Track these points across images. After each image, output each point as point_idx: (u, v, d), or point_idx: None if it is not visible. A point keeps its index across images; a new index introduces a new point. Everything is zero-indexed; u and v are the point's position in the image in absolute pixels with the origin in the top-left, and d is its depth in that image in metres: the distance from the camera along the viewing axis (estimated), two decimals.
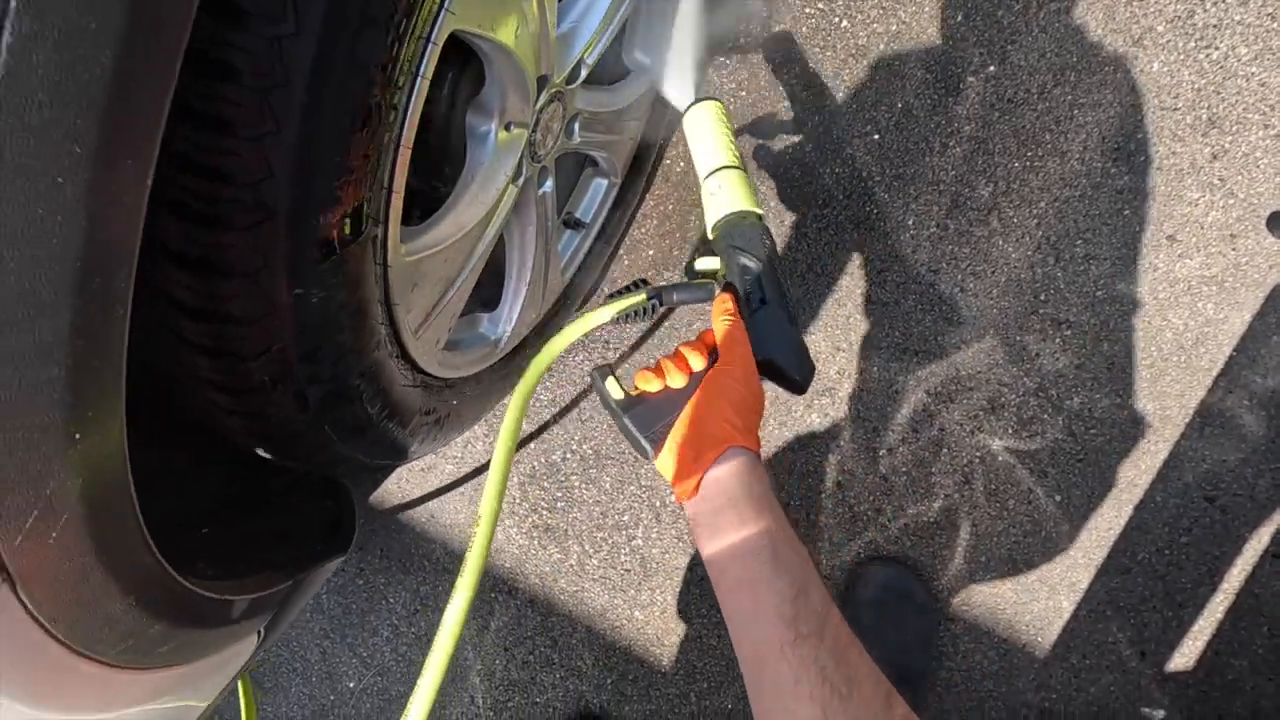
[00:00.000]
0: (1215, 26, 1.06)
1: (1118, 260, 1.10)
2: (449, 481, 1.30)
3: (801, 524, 1.20)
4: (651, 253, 1.22)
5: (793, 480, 1.20)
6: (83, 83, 0.24)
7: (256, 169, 0.38)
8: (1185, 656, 1.14)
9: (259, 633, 0.67)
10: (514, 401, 0.67)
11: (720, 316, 0.68)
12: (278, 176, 0.39)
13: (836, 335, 1.17)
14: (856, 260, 1.16)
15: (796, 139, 1.15)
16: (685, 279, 0.84)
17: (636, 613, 1.26)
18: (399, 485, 1.32)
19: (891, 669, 1.11)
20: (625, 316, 0.73)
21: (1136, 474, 1.12)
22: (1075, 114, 1.09)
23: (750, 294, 0.69)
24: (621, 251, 1.23)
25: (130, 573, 0.36)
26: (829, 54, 1.13)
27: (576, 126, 0.85)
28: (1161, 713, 1.14)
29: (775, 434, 1.20)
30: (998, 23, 1.09)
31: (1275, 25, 1.04)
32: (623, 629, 1.27)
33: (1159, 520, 1.13)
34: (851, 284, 1.16)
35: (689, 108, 0.83)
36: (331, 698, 1.37)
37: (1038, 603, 1.16)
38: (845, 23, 1.14)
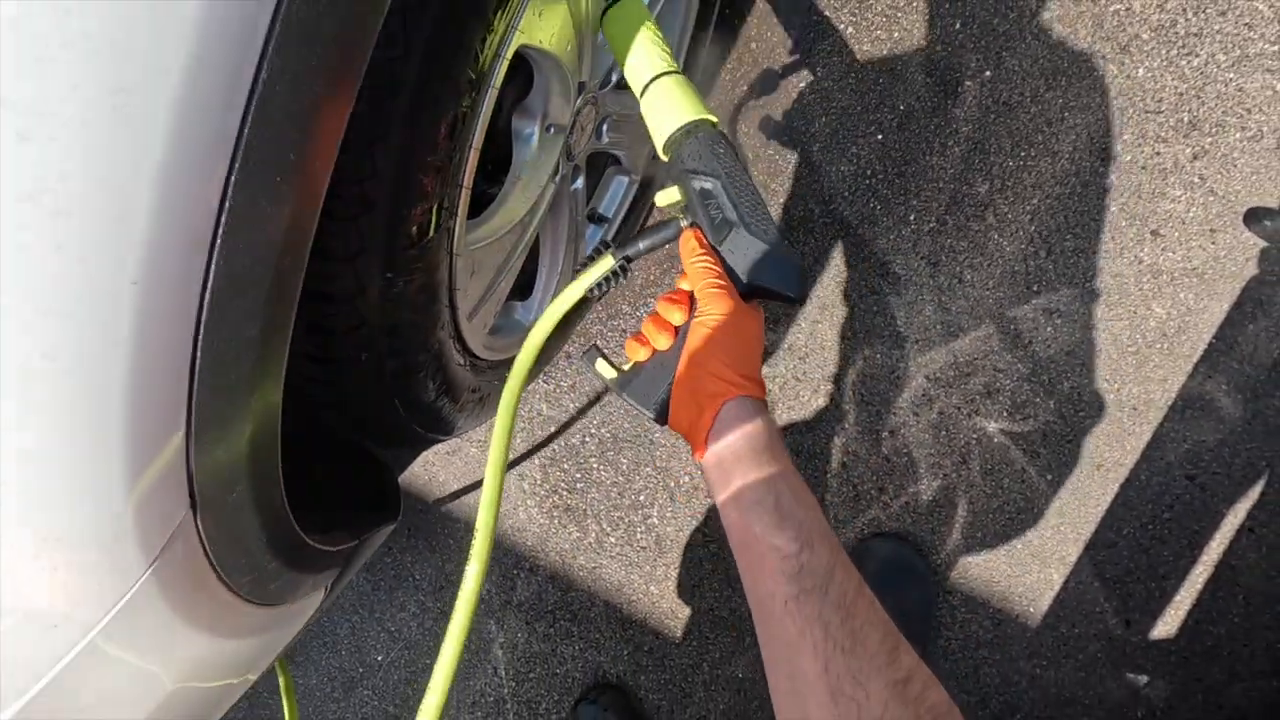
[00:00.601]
0: (1196, 35, 1.13)
1: (1105, 254, 1.18)
2: (472, 465, 1.36)
3: None
4: (667, 246, 1.29)
5: (800, 460, 1.27)
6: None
7: (362, 169, 0.44)
8: (1167, 625, 1.21)
9: (326, 588, 0.73)
10: (504, 401, 0.63)
11: (689, 259, 0.62)
12: (380, 176, 0.45)
13: (841, 325, 1.24)
14: (861, 253, 1.23)
15: (804, 139, 1.22)
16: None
17: (652, 587, 1.33)
18: (425, 468, 1.38)
19: None
20: (599, 287, 0.66)
21: (1122, 454, 1.20)
22: (1066, 116, 1.17)
23: (715, 219, 0.61)
24: None
25: (268, 510, 0.42)
26: (834, 58, 1.20)
27: (605, 128, 0.92)
28: (1145, 678, 1.22)
29: (783, 416, 1.27)
30: (993, 30, 1.17)
31: (1252, 34, 1.12)
32: (639, 603, 1.34)
33: (1143, 497, 1.20)
34: (856, 276, 1.23)
35: (606, 9, 0.70)
36: (360, 670, 1.43)
37: (1029, 575, 1.24)
38: (850, 29, 1.21)
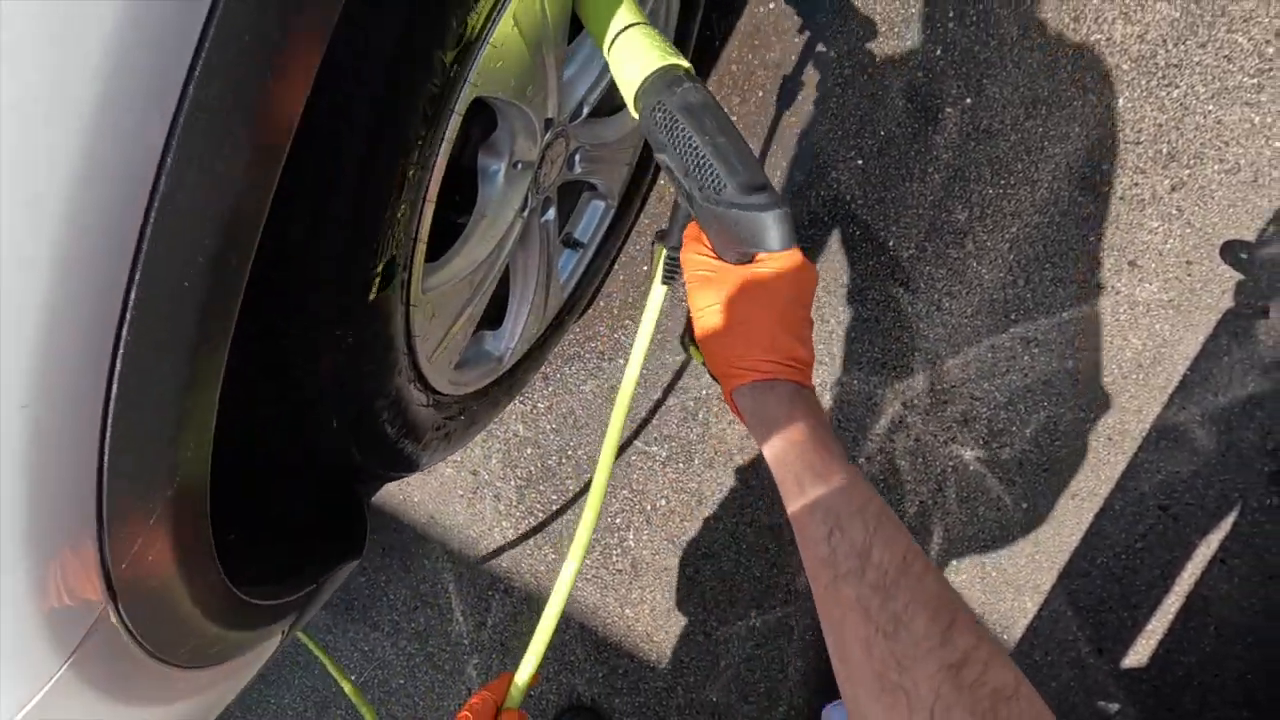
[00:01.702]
0: (1176, 66, 1.13)
1: (1083, 283, 1.18)
2: (448, 485, 1.35)
3: (784, 529, 1.27)
4: (646, 268, 1.28)
5: (774, 486, 1.27)
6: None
7: (308, 230, 0.43)
8: (1139, 654, 1.22)
9: (283, 631, 0.72)
10: (616, 413, 0.62)
11: (684, 254, 0.58)
12: (326, 238, 0.44)
13: (819, 349, 1.24)
14: (839, 278, 1.22)
15: (784, 164, 1.22)
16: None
17: (627, 610, 1.33)
18: (400, 488, 1.37)
19: None
20: (671, 277, 0.64)
21: (1097, 483, 1.20)
22: (1045, 145, 1.16)
23: (684, 195, 0.56)
24: (616, 267, 1.28)
25: (200, 584, 0.41)
26: (816, 82, 1.19)
27: (578, 158, 0.91)
28: (1116, 706, 1.22)
29: None
30: (975, 58, 1.16)
31: (1231, 67, 1.12)
32: (614, 625, 1.33)
33: (1117, 527, 1.20)
34: (834, 301, 1.23)
35: None
36: (333, 690, 1.42)
37: (1004, 602, 1.24)
38: (833, 53, 1.20)
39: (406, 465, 0.76)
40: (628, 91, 0.60)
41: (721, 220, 0.53)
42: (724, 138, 0.54)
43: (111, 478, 0.29)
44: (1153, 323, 1.17)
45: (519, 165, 0.77)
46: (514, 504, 1.34)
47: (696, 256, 0.57)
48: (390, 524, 1.37)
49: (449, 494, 1.35)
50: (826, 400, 1.24)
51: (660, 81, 0.56)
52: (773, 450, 0.53)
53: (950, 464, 1.22)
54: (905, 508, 1.23)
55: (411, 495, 1.37)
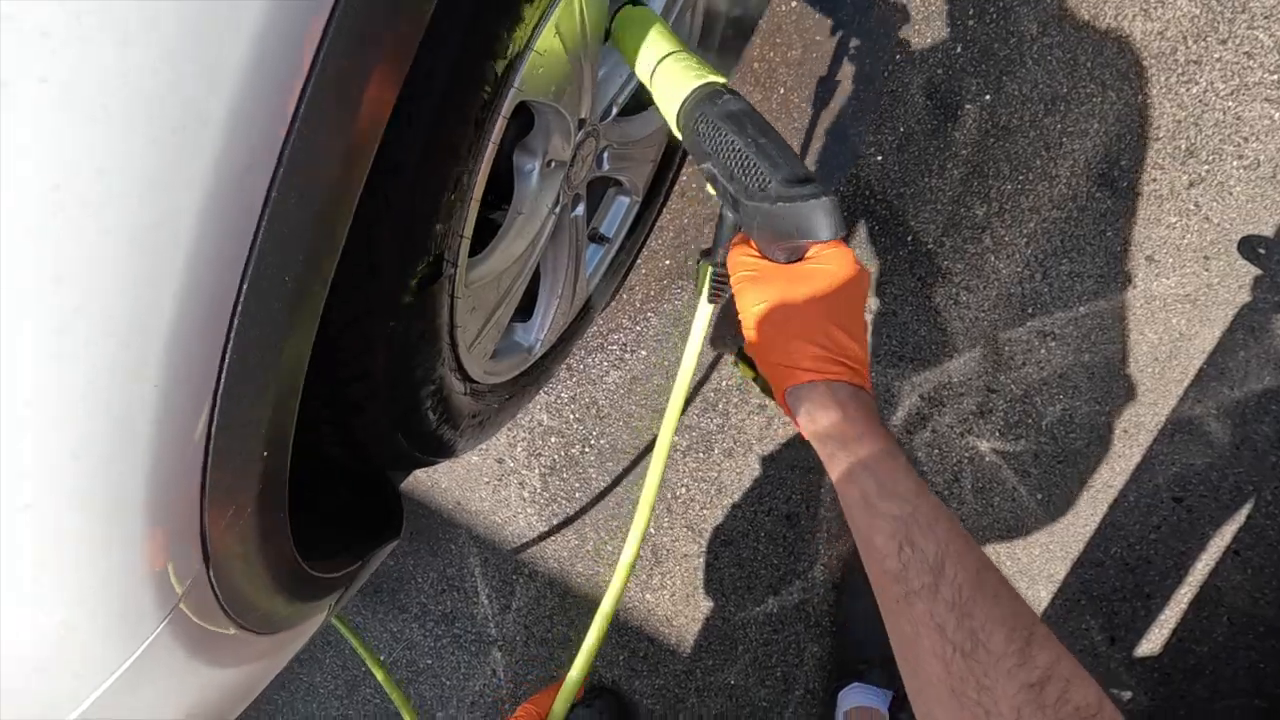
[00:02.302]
0: (1196, 63, 1.14)
1: (1100, 278, 1.19)
2: (474, 472, 1.39)
3: (802, 517, 1.30)
4: (668, 262, 1.31)
5: (794, 475, 1.30)
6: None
7: (369, 235, 0.47)
8: (1151, 643, 1.24)
9: (330, 604, 0.77)
10: (667, 418, 0.63)
11: (730, 258, 0.58)
12: (385, 240, 0.48)
13: None
14: None
15: (806, 160, 1.24)
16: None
17: (648, 595, 1.36)
18: (427, 474, 1.41)
19: (882, 649, 1.22)
20: (717, 294, 0.65)
21: (1111, 475, 1.22)
22: (1064, 141, 1.18)
23: (732, 202, 0.57)
24: (639, 261, 1.32)
25: (275, 556, 0.45)
26: (837, 79, 1.21)
27: (605, 156, 0.94)
28: (1129, 694, 1.25)
29: (780, 432, 1.30)
30: (994, 55, 1.17)
31: (1251, 63, 1.12)
32: (634, 610, 1.37)
33: (1131, 518, 1.22)
34: None
35: (614, 15, 0.68)
36: (363, 670, 1.47)
37: (1019, 591, 1.26)
38: (853, 50, 1.22)
39: (444, 451, 0.80)
40: (670, 113, 0.62)
41: (770, 216, 0.53)
42: (765, 138, 0.56)
43: (214, 455, 0.33)
44: (1169, 317, 1.18)
45: (553, 164, 0.80)
46: (538, 491, 1.38)
47: (744, 258, 0.56)
48: (418, 509, 1.41)
49: (475, 481, 1.39)
50: None
51: (700, 97, 0.59)
52: (832, 456, 0.51)
53: (967, 455, 1.25)
54: None
55: (439, 481, 1.41)
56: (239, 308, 0.30)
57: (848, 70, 1.21)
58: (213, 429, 0.32)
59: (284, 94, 0.30)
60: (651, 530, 1.36)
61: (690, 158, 0.64)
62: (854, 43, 1.21)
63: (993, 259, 1.21)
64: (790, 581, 1.31)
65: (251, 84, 0.29)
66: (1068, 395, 1.21)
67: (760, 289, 0.55)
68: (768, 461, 1.30)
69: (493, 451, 1.39)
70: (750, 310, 0.55)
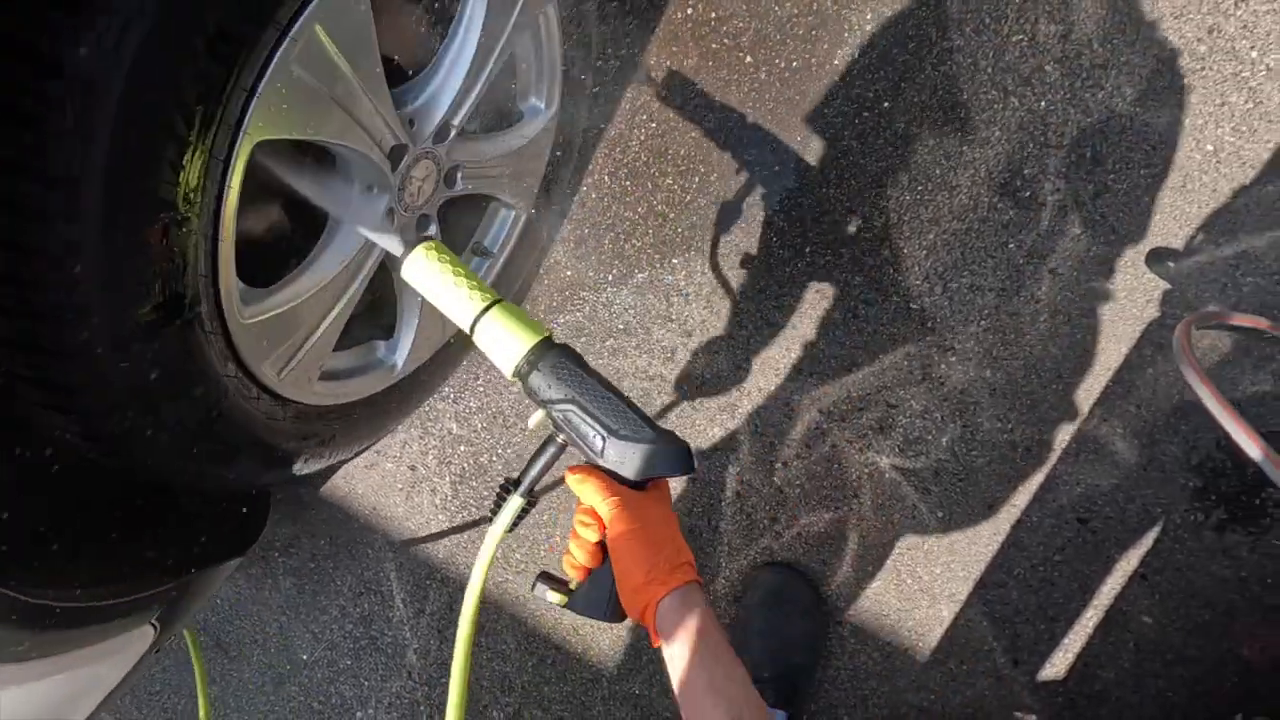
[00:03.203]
0: (1102, 67, 1.09)
1: (1001, 291, 1.15)
2: (388, 479, 1.42)
3: (703, 530, 1.29)
4: (569, 273, 1.30)
5: (696, 488, 1.29)
6: None
7: (70, 282, 0.48)
8: (1056, 667, 1.20)
9: (153, 625, 0.79)
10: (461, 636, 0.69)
11: (577, 488, 0.66)
12: (88, 286, 0.49)
13: (737, 355, 1.25)
14: (756, 285, 1.23)
15: (701, 169, 1.22)
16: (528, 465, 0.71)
17: (544, 608, 1.37)
18: (345, 480, 1.44)
19: (777, 665, 1.21)
20: (515, 525, 0.71)
21: (1014, 494, 1.18)
22: (965, 150, 1.14)
23: (587, 437, 0.65)
24: (541, 271, 1.32)
25: None
26: (734, 88, 1.19)
27: (460, 175, 0.94)
28: (1032, 717, 1.22)
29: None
30: (892, 61, 1.14)
31: (1160, 66, 1.07)
32: (543, 618, 1.38)
33: (1034, 539, 1.19)
34: (751, 307, 1.23)
35: (404, 258, 0.71)
36: (288, 667, 1.52)
37: (919, 610, 1.24)
38: (749, 59, 1.19)
39: (274, 473, 0.82)
40: (505, 366, 0.69)
41: (642, 454, 0.63)
42: (610, 387, 0.67)
43: None
44: (1074, 332, 1.14)
45: (373, 188, 0.80)
46: (449, 498, 1.40)
47: (601, 487, 0.64)
48: (337, 513, 1.44)
49: (389, 488, 1.42)
50: (745, 407, 1.26)
51: (547, 348, 0.67)
52: (688, 649, 0.59)
53: (866, 471, 1.22)
54: (821, 513, 1.24)
55: (355, 488, 1.44)
56: None
57: (743, 80, 1.18)
58: None
59: None
60: (557, 539, 1.36)
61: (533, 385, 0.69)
62: (750, 54, 1.18)
63: (891, 271, 1.18)
64: None
65: None
66: (969, 412, 1.18)
67: (629, 514, 0.62)
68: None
69: (405, 459, 1.41)
70: (622, 533, 0.62)
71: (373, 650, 1.46)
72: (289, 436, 0.80)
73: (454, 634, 1.41)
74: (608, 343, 1.29)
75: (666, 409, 1.27)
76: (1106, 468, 1.15)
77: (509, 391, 1.34)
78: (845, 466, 1.22)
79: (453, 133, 0.85)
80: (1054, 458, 1.16)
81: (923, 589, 1.23)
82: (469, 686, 0.66)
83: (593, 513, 0.66)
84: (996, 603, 1.20)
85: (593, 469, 0.66)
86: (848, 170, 1.17)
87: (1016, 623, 1.20)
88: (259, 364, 0.71)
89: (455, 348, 1.12)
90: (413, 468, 1.40)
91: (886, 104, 1.14)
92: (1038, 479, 1.17)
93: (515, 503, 0.69)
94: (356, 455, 1.24)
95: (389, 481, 1.41)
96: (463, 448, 1.37)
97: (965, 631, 1.22)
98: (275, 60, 0.54)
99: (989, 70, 1.11)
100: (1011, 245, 1.14)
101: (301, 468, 0.86)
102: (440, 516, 1.40)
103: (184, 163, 0.50)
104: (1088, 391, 1.14)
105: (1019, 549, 1.19)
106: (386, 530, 1.43)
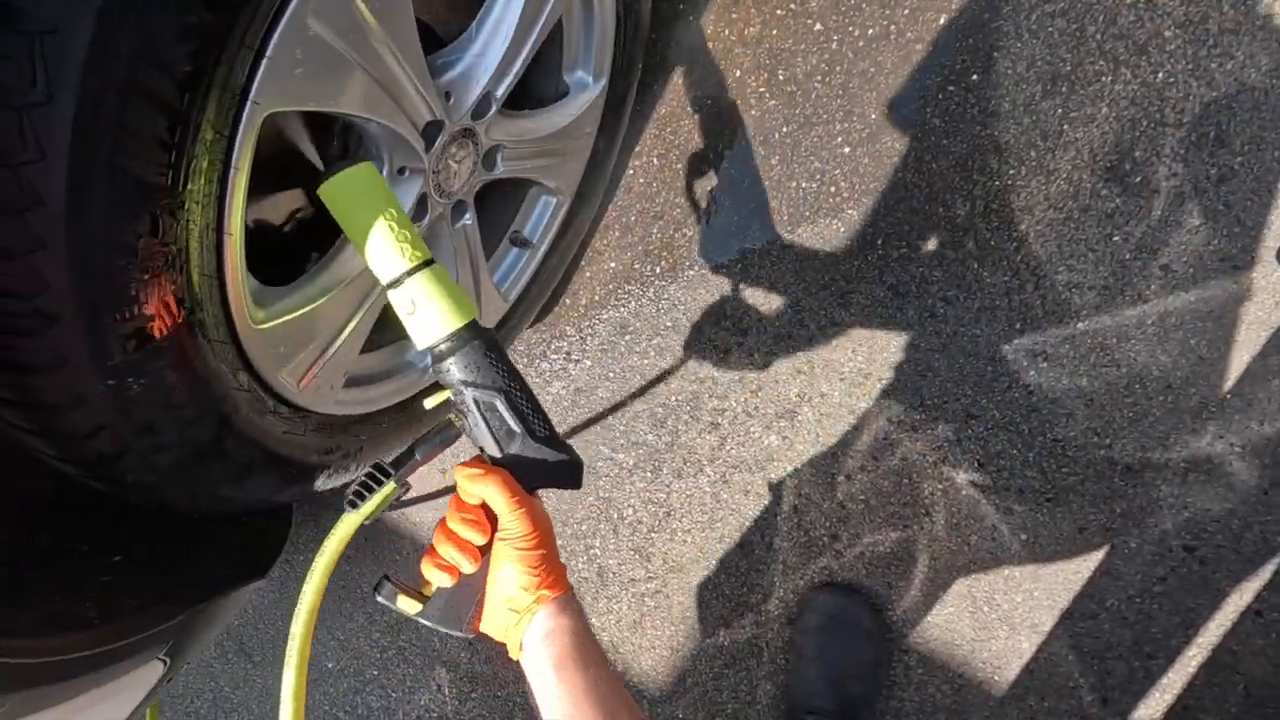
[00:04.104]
0: (1233, 32, 0.94)
1: (1103, 289, 1.02)
2: (417, 481, 1.33)
3: (756, 546, 1.19)
4: (613, 265, 1.20)
5: (748, 502, 1.18)
6: None
7: (31, 283, 0.39)
8: (1151, 709, 1.08)
9: (162, 660, 0.71)
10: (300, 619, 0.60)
11: (472, 482, 0.59)
12: (54, 288, 0.40)
13: (798, 357, 1.13)
14: (820, 280, 1.11)
15: (761, 152, 1.10)
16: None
17: (593, 619, 1.28)
18: None
19: (835, 695, 1.11)
20: (381, 511, 0.62)
21: (1110, 518, 1.06)
22: (1065, 129, 1.00)
23: (499, 429, 0.60)
24: (583, 263, 1.21)
25: None
26: (801, 60, 1.07)
27: (499, 158, 0.83)
28: None
29: (733, 453, 1.18)
30: (983, 26, 1.00)
31: None
32: None
33: (1132, 567, 1.06)
34: (814, 305, 1.11)
35: (323, 179, 0.58)
36: (313, 675, 1.45)
37: (996, 641, 1.12)
38: (819, 26, 1.07)
39: (293, 490, 0.73)
40: (426, 337, 0.61)
41: (549, 461, 0.61)
42: (525, 386, 0.62)
43: None
44: (1186, 337, 1.00)
45: (405, 171, 0.71)
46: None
47: (504, 486, 0.59)
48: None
49: (419, 491, 1.34)
50: (805, 414, 1.14)
51: (473, 333, 0.60)
52: (571, 655, 0.57)
53: (940, 487, 1.11)
54: (887, 532, 1.13)
55: None
56: None
57: (809, 50, 1.06)
58: None
59: None
60: (597, 551, 1.27)
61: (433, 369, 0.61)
62: (817, 19, 1.05)
63: (975, 265, 1.05)
64: (742, 615, 1.21)
65: None
66: (1060, 424, 1.05)
67: (533, 522, 0.59)
68: (719, 485, 1.19)
69: (436, 462, 1.32)
70: (521, 533, 0.58)
71: (400, 661, 1.38)
72: (310, 451, 0.71)
73: (483, 648, 1.33)
74: (654, 341, 1.18)
75: (718, 415, 1.17)
76: (1220, 490, 1.02)
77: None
78: (917, 482, 1.11)
79: (494, 106, 0.75)
80: (1158, 478, 1.03)
81: (1001, 618, 1.11)
82: (304, 687, 0.57)
83: (480, 513, 0.60)
84: (1085, 635, 1.08)
85: (493, 467, 0.61)
86: (928, 152, 1.04)
87: (1108, 658, 1.08)
88: (275, 373, 0.61)
89: None
90: (443, 471, 1.32)
91: (975, 76, 1.01)
92: (1138, 501, 1.04)
93: (388, 489, 0.60)
94: None
95: (419, 485, 1.33)
96: None
97: (1048, 666, 1.10)
98: (289, 12, 0.44)
99: (1098, 37, 0.97)
100: (1116, 237, 1.00)
101: (324, 484, 0.78)
102: None
103: (176, 139, 0.40)
104: (1201, 404, 1.01)
105: (1113, 578, 1.06)
106: (415, 536, 1.35)
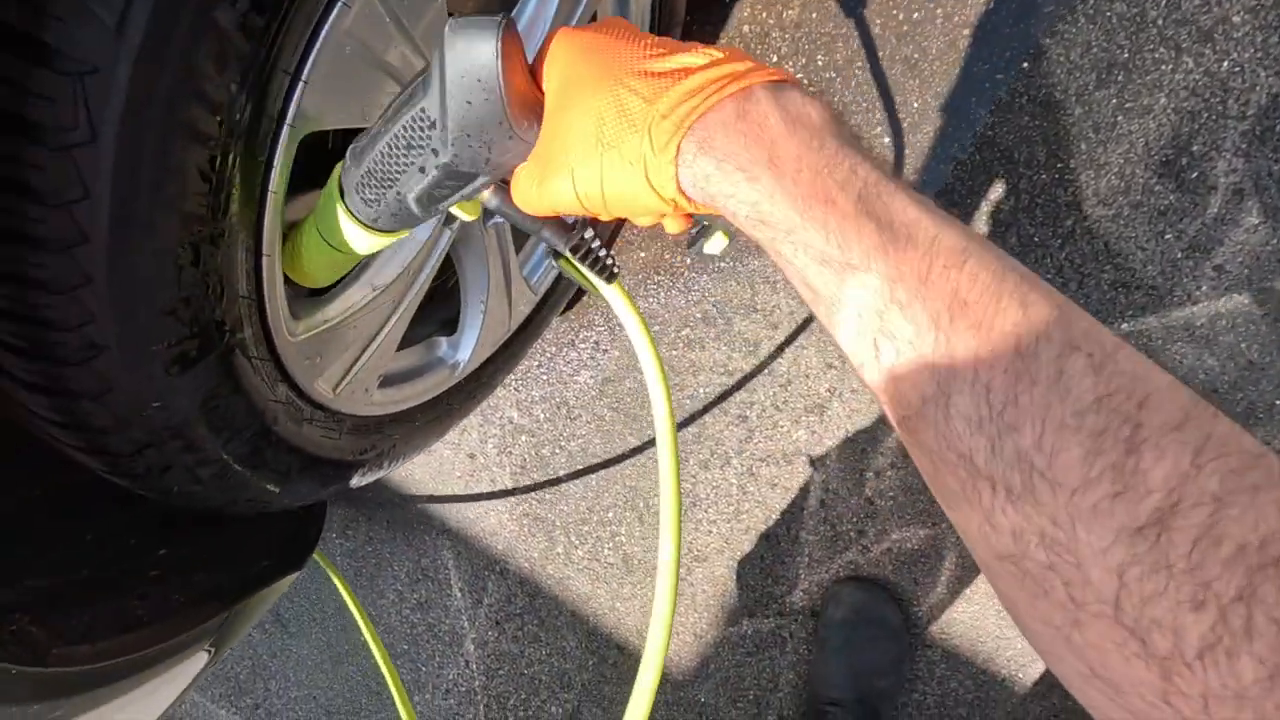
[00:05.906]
0: None
1: (1152, 289, 0.99)
2: (446, 466, 1.35)
3: (782, 539, 1.19)
4: (643, 254, 1.19)
5: (775, 495, 1.18)
6: None
7: (75, 315, 0.40)
8: None
9: (207, 650, 0.74)
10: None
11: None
12: (100, 319, 0.40)
13: (828, 351, 1.12)
14: None
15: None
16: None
17: (618, 604, 1.30)
18: (405, 465, 1.39)
19: (858, 688, 1.12)
20: (607, 269, 0.51)
21: None
22: (1120, 120, 0.96)
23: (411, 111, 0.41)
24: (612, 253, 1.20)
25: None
26: (842, 45, 1.03)
27: None
28: None
29: (761, 446, 1.18)
30: (1036, 10, 0.96)
31: None
32: (604, 618, 1.32)
33: None
34: None
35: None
36: (345, 648, 1.50)
37: (1021, 639, 1.12)
38: (858, 11, 1.02)
39: (330, 489, 0.75)
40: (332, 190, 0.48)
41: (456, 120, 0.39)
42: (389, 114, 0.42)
43: None
44: (1237, 341, 0.97)
45: None
46: (509, 489, 1.33)
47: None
48: (394, 498, 1.40)
49: (447, 475, 1.36)
50: (835, 409, 1.13)
51: (343, 167, 0.46)
52: (761, 202, 0.32)
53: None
54: (915, 528, 1.13)
55: (413, 473, 1.38)
56: None
57: (849, 35, 1.02)
58: None
59: None
60: (623, 538, 1.29)
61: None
62: (856, 3, 1.01)
63: (1020, 261, 1.02)
64: (766, 605, 1.22)
65: None
66: None
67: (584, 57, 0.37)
68: (745, 476, 1.19)
69: (464, 446, 1.34)
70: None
71: (430, 637, 1.42)
72: (345, 451, 0.72)
73: (510, 627, 1.36)
74: (683, 332, 1.17)
75: (746, 408, 1.16)
76: None
77: (573, 381, 1.25)
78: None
79: None
80: None
81: None
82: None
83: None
84: None
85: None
86: (973, 142, 1.00)
87: None
88: (312, 382, 0.62)
89: (520, 339, 1.02)
90: (471, 456, 1.33)
91: (1025, 64, 0.97)
92: None
93: (567, 262, 0.50)
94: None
95: (447, 469, 1.35)
96: (524, 438, 1.29)
97: None
98: (323, 34, 0.44)
99: (1159, 23, 0.92)
100: (1169, 235, 0.97)
101: (359, 481, 0.79)
102: (500, 507, 1.33)
103: (215, 169, 0.40)
104: (1248, 409, 0.98)
105: None
106: (444, 518, 1.37)
